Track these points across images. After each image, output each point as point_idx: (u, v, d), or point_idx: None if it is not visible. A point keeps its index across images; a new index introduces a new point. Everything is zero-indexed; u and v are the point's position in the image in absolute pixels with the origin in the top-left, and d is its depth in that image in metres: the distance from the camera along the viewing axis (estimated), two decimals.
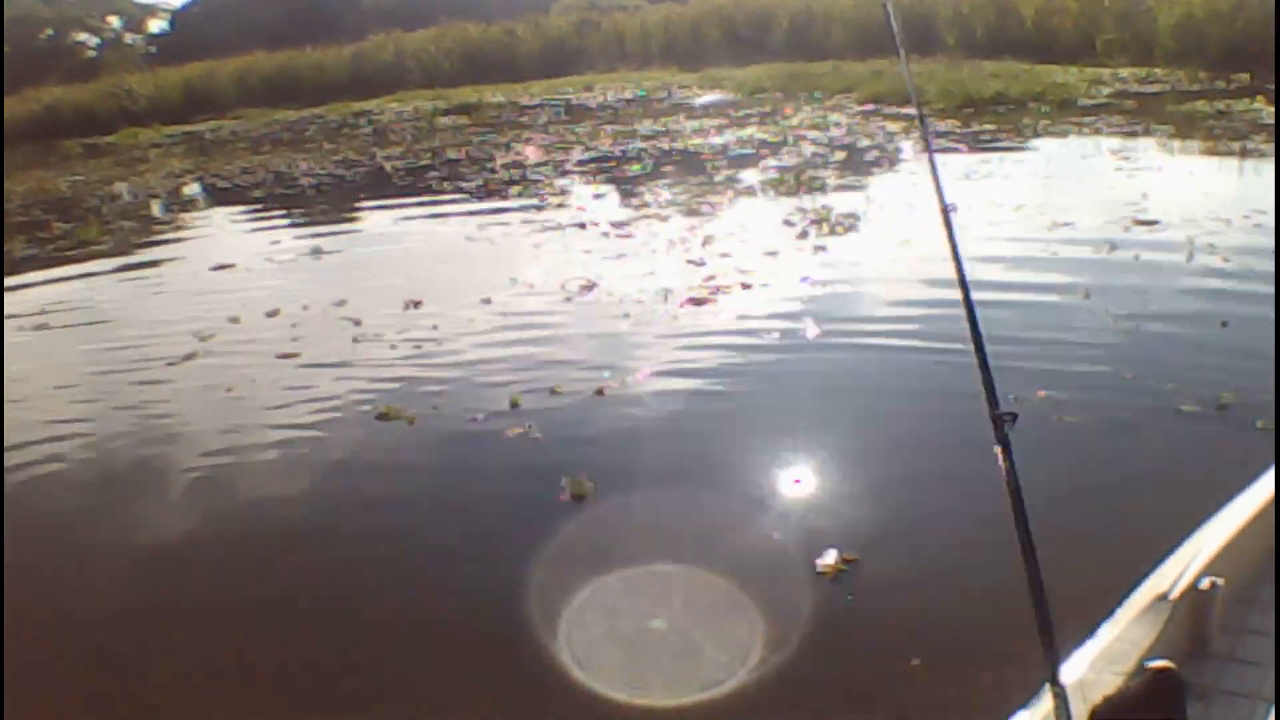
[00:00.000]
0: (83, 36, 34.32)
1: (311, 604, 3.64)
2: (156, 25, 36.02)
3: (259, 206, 12.85)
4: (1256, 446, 4.08)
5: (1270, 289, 5.80)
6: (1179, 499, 3.63)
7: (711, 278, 6.86)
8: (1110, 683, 2.00)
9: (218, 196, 14.18)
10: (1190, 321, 5.54)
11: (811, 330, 5.73)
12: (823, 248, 7.52)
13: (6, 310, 8.14)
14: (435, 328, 6.49)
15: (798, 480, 4.13)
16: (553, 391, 5.19)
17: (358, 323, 6.75)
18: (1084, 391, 4.62)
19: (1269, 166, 9.17)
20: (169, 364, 6.45)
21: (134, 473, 4.95)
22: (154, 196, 14.60)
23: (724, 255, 7.44)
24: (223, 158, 17.91)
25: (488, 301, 6.85)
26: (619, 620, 3.28)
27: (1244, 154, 9.90)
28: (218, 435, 5.28)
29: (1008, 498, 1.74)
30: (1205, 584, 2.29)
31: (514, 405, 5.07)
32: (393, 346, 6.24)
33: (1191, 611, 2.28)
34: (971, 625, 3.10)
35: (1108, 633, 2.21)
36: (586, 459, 4.39)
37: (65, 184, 16.74)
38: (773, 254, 7.37)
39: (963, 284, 2.10)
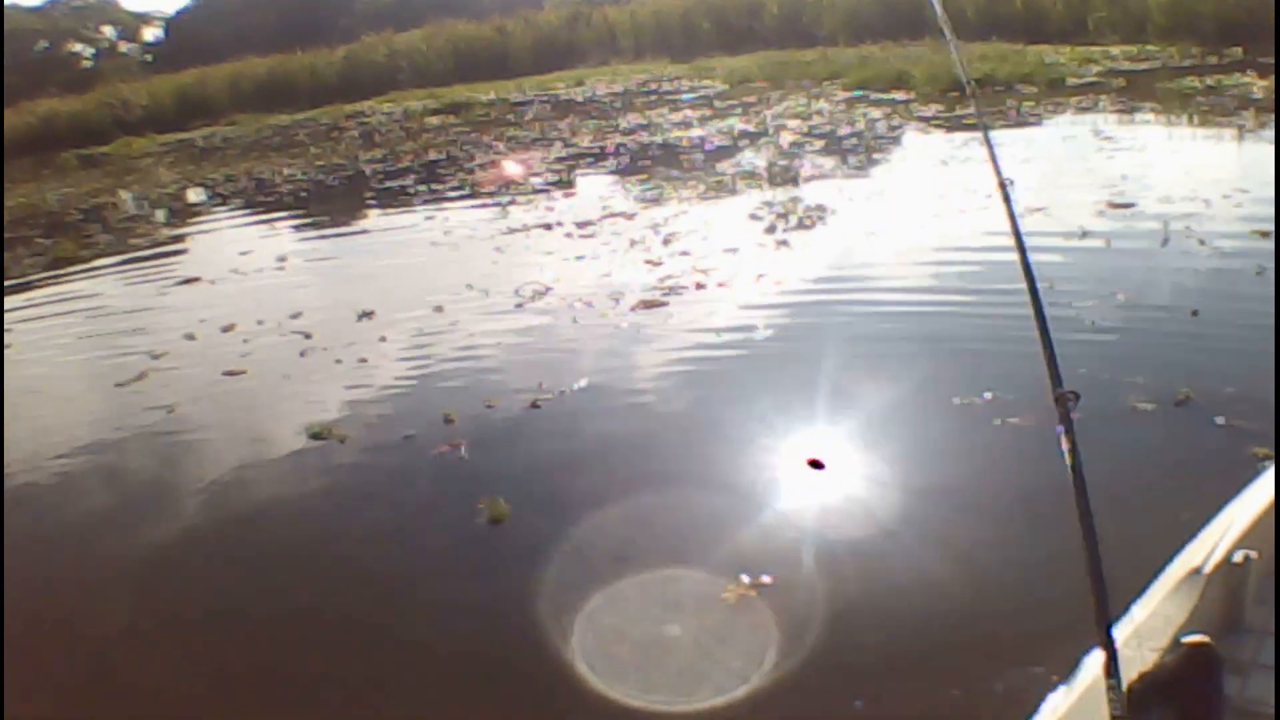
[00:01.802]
0: (78, 47, 34.27)
1: (188, 627, 3.57)
2: (151, 33, 35.94)
3: (236, 215, 12.75)
4: (1214, 448, 3.86)
5: (1248, 274, 5.57)
6: (1120, 513, 3.42)
7: (667, 278, 6.67)
8: (1146, 658, 1.96)
9: (198, 207, 14.09)
10: (1158, 311, 5.32)
11: (761, 333, 5.52)
12: (785, 243, 7.31)
13: None
14: (384, 339, 6.34)
15: (723, 501, 3.89)
16: (487, 405, 5.02)
17: (309, 336, 6.60)
18: (1033, 391, 4.37)
19: (1254, 143, 8.91)
20: (118, 385, 6.32)
21: (60, 493, 4.86)
22: (137, 209, 14.50)
23: (683, 254, 7.24)
24: (210, 165, 17.80)
25: (440, 310, 6.68)
26: (504, 655, 3.11)
27: (1230, 131, 9.60)
28: (148, 458, 5.19)
29: (1070, 476, 1.74)
30: (1238, 557, 2.23)
31: (447, 420, 4.91)
32: (338, 361, 6.09)
33: (1225, 585, 2.23)
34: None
35: (1142, 608, 2.17)
36: (511, 479, 4.23)
37: (54, 198, 16.64)
38: (733, 251, 7.17)
39: (1024, 260, 2.10)
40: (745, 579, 3.26)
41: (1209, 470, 3.67)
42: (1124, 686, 1.65)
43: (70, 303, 8.96)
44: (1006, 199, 2.25)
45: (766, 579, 3.25)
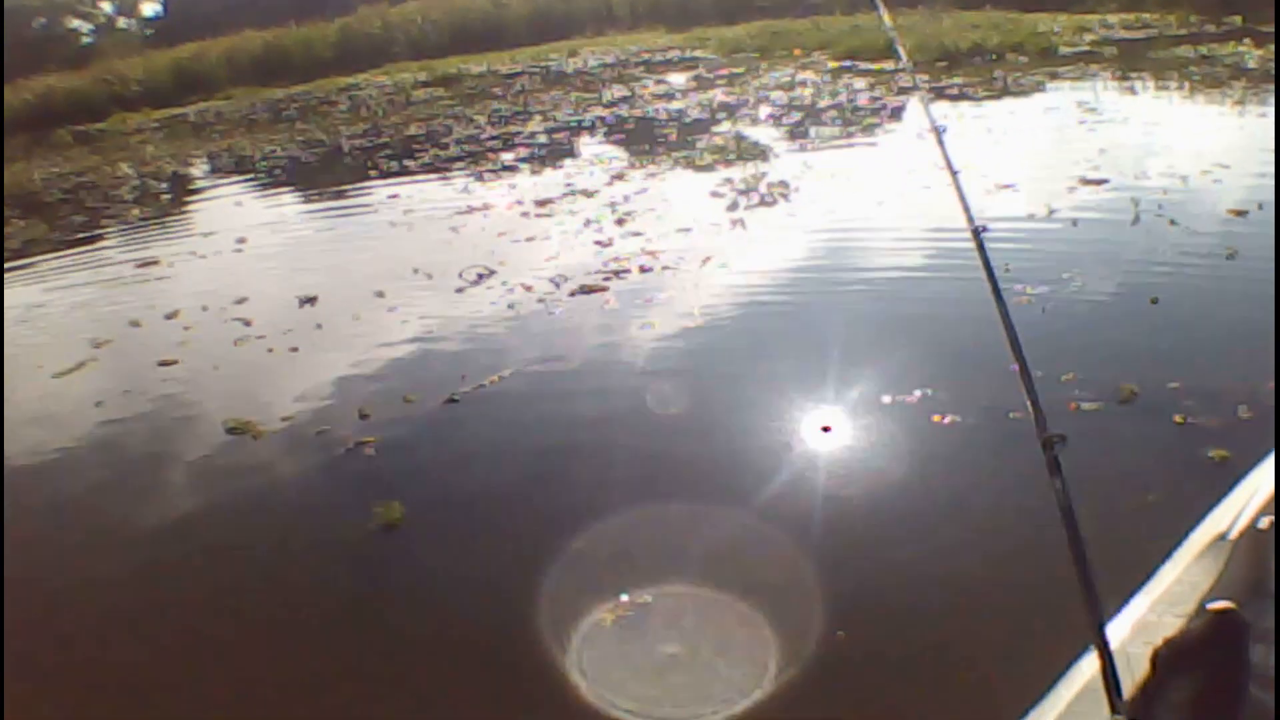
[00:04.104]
0: (75, 23, 33.98)
1: (58, 634, 3.43)
2: (150, 8, 35.66)
3: (209, 194, 12.62)
4: (1163, 451, 3.61)
5: (1219, 257, 5.31)
6: (1049, 538, 3.18)
7: (614, 260, 6.42)
8: (1171, 625, 1.92)
9: (175, 185, 13.89)
10: (1117, 297, 5.06)
11: (694, 321, 5.29)
12: (741, 222, 7.05)
13: None
14: (319, 327, 6.15)
15: (629, 515, 3.61)
16: (405, 399, 4.81)
17: (248, 324, 6.41)
18: (968, 387, 4.14)
19: (1242, 116, 8.60)
20: (55, 375, 6.15)
21: None
22: (118, 188, 14.31)
23: (636, 234, 6.99)
24: (198, 142, 17.61)
25: (380, 295, 6.47)
26: (352, 684, 2.92)
27: (1219, 103, 9.26)
28: (68, 454, 5.02)
29: (1060, 519, 1.66)
30: (1264, 523, 2.15)
31: (362, 416, 4.71)
32: (270, 350, 5.90)
33: (1251, 551, 2.15)
34: None
35: (1167, 574, 2.12)
36: (412, 480, 4.07)
37: (40, 177, 16.48)
38: (686, 231, 6.91)
39: (999, 300, 2.05)
40: (625, 598, 3.05)
41: (1151, 480, 3.42)
42: (1148, 653, 1.65)
43: (29, 285, 8.81)
44: (980, 245, 2.20)
45: (647, 598, 3.04)
